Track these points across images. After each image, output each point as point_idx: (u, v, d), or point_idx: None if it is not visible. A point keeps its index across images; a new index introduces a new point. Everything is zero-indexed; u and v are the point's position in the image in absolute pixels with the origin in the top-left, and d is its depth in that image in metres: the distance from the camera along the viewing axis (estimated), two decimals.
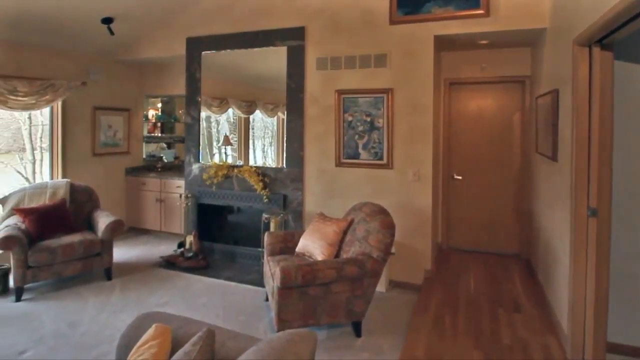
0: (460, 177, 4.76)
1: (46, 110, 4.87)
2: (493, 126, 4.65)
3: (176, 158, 5.97)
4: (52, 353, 2.69)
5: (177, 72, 5.39)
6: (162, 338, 1.53)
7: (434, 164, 3.92)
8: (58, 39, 4.52)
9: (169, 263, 4.35)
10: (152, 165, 5.84)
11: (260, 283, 3.80)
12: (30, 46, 4.46)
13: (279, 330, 2.63)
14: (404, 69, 3.83)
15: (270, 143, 4.81)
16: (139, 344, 1.53)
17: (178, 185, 5.15)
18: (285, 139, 4.33)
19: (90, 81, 5.10)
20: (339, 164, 4.10)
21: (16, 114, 5.54)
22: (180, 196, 4.90)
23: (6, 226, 3.67)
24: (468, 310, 3.18)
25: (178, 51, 4.89)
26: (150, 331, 1.56)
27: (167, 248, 4.92)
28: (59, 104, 4.82)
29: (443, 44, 4.08)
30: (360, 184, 4.00)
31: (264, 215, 4.08)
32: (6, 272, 3.70)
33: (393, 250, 3.46)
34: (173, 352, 1.51)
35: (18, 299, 3.49)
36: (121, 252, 4.73)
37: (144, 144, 5.95)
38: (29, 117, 5.74)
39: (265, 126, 4.86)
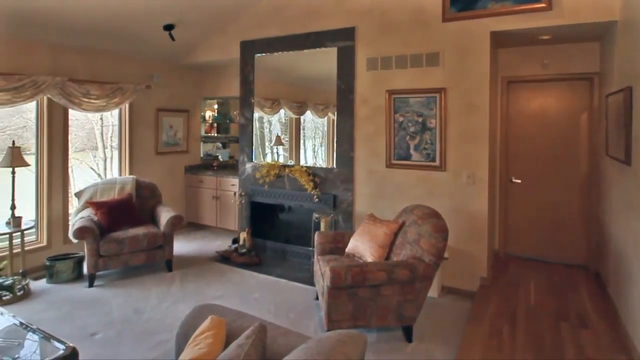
0: (519, 181, 4.54)
1: (115, 112, 5.28)
2: (557, 127, 4.37)
3: (231, 157, 6.23)
4: (119, 337, 2.93)
5: (232, 75, 5.61)
6: (217, 329, 1.60)
7: (490, 167, 3.77)
8: (126, 45, 4.88)
9: (224, 258, 4.57)
10: (209, 164, 6.14)
11: (310, 282, 3.88)
12: (102, 53, 4.85)
13: (328, 330, 2.69)
14: (458, 68, 3.72)
15: (321, 143, 4.87)
16: (196, 333, 1.61)
17: (232, 184, 5.38)
18: (335, 139, 4.38)
19: (154, 84, 5.45)
20: (389, 165, 4.07)
21: (89, 115, 6.06)
22: (235, 194, 5.11)
23: (81, 217, 4.04)
24: (528, 323, 3.02)
25: (233, 54, 5.09)
26: (207, 322, 1.65)
27: (223, 243, 5.16)
28: (126, 106, 5.20)
29: (500, 40, 3.91)
30: (411, 185, 3.95)
31: (315, 215, 4.16)
32: (80, 260, 4.09)
33: (446, 255, 3.39)
34: (227, 343, 1.58)
35: (91, 285, 3.84)
36: (180, 246, 5.02)
37: (201, 143, 6.28)
38: (101, 118, 6.26)
39: (316, 127, 4.92)
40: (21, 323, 2.32)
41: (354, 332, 1.44)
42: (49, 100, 4.34)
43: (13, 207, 3.78)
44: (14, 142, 3.86)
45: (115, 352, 2.73)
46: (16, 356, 2.07)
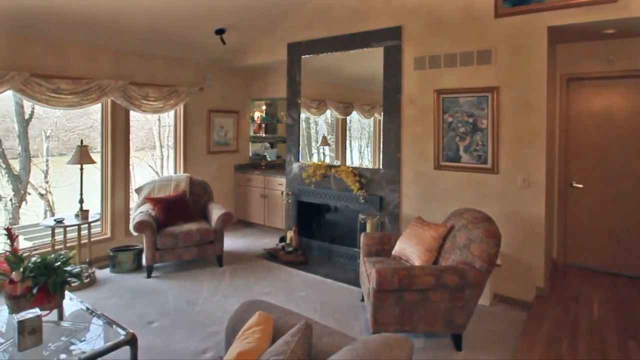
0: (580, 185, 4.26)
1: (171, 113, 5.56)
2: (624, 127, 4.05)
3: (278, 157, 6.37)
4: (174, 326, 3.10)
5: (280, 76, 5.73)
6: (264, 325, 1.64)
7: (548, 170, 3.57)
8: (180, 50, 5.14)
9: (272, 255, 4.68)
10: (257, 163, 6.32)
11: (355, 282, 3.88)
12: (159, 58, 5.14)
13: (374, 333, 2.68)
14: (512, 65, 3.55)
15: (367, 144, 4.85)
16: (244, 327, 1.66)
17: (280, 183, 5.50)
18: (381, 140, 4.34)
19: (206, 87, 5.69)
20: (437, 166, 3.98)
21: (148, 116, 6.45)
22: (282, 193, 5.22)
23: (140, 212, 4.31)
24: (590, 339, 2.80)
25: (280, 56, 5.19)
26: (255, 318, 1.69)
27: (270, 241, 5.29)
28: (181, 108, 5.47)
29: (558, 35, 3.68)
30: (461, 188, 3.83)
31: (361, 216, 4.16)
32: (140, 252, 4.37)
33: (498, 261, 3.26)
34: (274, 339, 1.61)
35: (149, 276, 4.09)
36: (230, 242, 5.21)
37: (250, 143, 6.47)
38: (158, 119, 6.64)
39: (362, 127, 4.91)
40: (87, 308, 2.52)
41: (400, 337, 1.42)
42: (112, 102, 4.66)
43: (81, 201, 4.11)
44: (82, 141, 4.19)
45: (170, 341, 2.89)
46: (82, 338, 2.26)
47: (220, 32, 4.76)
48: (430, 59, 3.99)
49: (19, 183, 5.92)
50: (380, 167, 4.35)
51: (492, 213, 3.33)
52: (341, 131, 5.03)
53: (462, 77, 3.82)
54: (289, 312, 1.89)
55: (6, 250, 2.49)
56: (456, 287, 2.63)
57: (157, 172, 6.69)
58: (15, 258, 2.43)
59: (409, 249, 3.14)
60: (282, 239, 4.95)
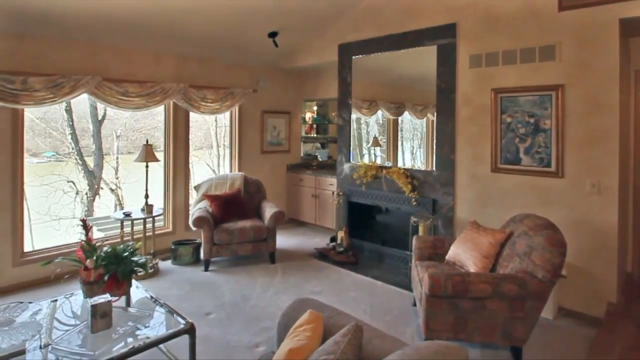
0: None
1: (227, 114, 5.79)
2: None
3: (329, 157, 6.42)
4: (229, 319, 3.23)
5: (331, 77, 5.76)
6: (315, 324, 1.65)
7: (622, 174, 3.28)
8: (236, 54, 5.34)
9: (322, 255, 4.73)
10: (309, 163, 6.41)
11: (407, 286, 3.82)
12: (216, 61, 5.37)
13: (426, 339, 2.62)
14: (579, 61, 3.30)
15: (420, 145, 4.75)
16: (296, 325, 1.68)
17: (331, 183, 5.53)
18: (435, 141, 4.23)
19: (260, 88, 5.86)
20: (495, 169, 3.80)
21: (206, 117, 6.76)
22: (333, 193, 5.26)
23: (198, 208, 4.54)
24: None
25: (331, 57, 5.22)
26: (305, 316, 1.71)
27: (321, 241, 5.35)
28: (236, 109, 5.68)
29: (632, 28, 3.35)
30: (521, 192, 3.63)
31: (413, 219, 4.08)
32: (198, 246, 4.60)
33: (564, 272, 3.06)
34: (324, 338, 1.62)
35: (206, 269, 4.30)
36: (282, 240, 5.33)
37: (301, 143, 6.58)
38: (215, 120, 6.95)
39: (414, 128, 4.81)
40: (151, 297, 2.70)
41: (454, 345, 1.37)
42: (174, 104, 4.95)
43: (146, 196, 4.41)
44: (147, 140, 4.48)
45: (225, 333, 3.02)
46: (147, 325, 2.42)
47: (273, 35, 4.88)
48: (487, 56, 3.82)
49: (93, 178, 6.48)
50: (434, 168, 4.24)
51: (556, 220, 3.12)
52: (392, 132, 4.96)
53: (522, 75, 3.61)
54: (339, 312, 1.90)
55: (82, 240, 2.71)
56: (516, 297, 2.50)
57: (214, 171, 7.02)
58: (89, 247, 2.65)
59: (464, 254, 3.03)
60: (333, 239, 4.98)
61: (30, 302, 2.51)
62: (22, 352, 2.08)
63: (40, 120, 6.11)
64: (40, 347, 2.12)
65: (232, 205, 4.64)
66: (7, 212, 3.80)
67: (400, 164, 4.76)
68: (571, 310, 3.35)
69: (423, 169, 4.42)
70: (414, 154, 4.84)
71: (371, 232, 4.98)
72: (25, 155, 4.06)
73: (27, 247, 4.07)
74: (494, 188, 3.81)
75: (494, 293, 2.51)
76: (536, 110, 3.54)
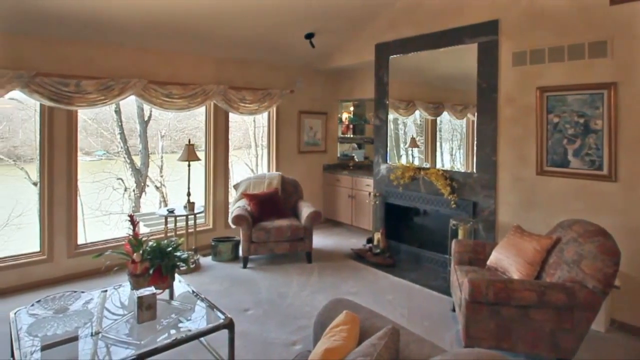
0: None
1: (265, 114, 5.89)
2: None
3: (366, 158, 6.38)
4: (266, 316, 3.28)
5: (367, 77, 5.72)
6: (351, 325, 1.64)
7: None
8: (273, 55, 5.42)
9: (359, 256, 4.71)
10: (345, 164, 6.40)
11: (445, 291, 3.73)
12: (254, 63, 5.48)
13: (466, 346, 2.55)
14: (634, 58, 3.08)
15: (459, 146, 4.61)
16: (331, 325, 1.68)
17: (367, 184, 5.50)
18: (475, 142, 4.10)
19: (297, 89, 5.92)
20: (540, 172, 3.63)
21: (245, 117, 6.91)
22: (369, 194, 5.22)
23: (237, 207, 4.65)
24: None
25: (367, 57, 5.18)
26: (342, 316, 1.70)
27: (357, 242, 5.33)
28: (274, 109, 5.77)
29: None
30: (569, 197, 3.45)
31: (452, 221, 3.98)
32: (237, 244, 4.72)
33: (617, 283, 2.88)
34: (360, 340, 1.61)
35: (244, 266, 4.40)
36: (318, 240, 5.35)
37: (338, 144, 6.58)
38: (254, 120, 7.10)
39: (454, 128, 4.68)
40: (193, 291, 2.79)
41: (496, 355, 1.31)
42: (214, 105, 5.10)
43: (188, 194, 4.57)
44: (189, 140, 4.65)
45: (262, 329, 3.08)
46: (189, 318, 2.50)
47: (309, 36, 4.92)
48: (531, 53, 3.66)
49: (140, 176, 6.82)
50: (474, 170, 4.11)
51: (608, 227, 2.93)
52: (431, 132, 4.86)
53: (570, 73, 3.43)
54: (375, 315, 1.88)
55: (129, 234, 2.85)
56: (563, 307, 2.38)
57: (252, 170, 7.19)
58: (136, 241, 2.77)
59: (507, 260, 2.92)
60: (370, 240, 4.95)
61: (82, 292, 2.66)
62: (75, 339, 2.21)
63: (93, 120, 6.51)
64: (92, 335, 2.25)
65: (270, 204, 4.72)
66: (63, 206, 4.07)
67: (438, 166, 4.65)
68: (624, 322, 3.14)
69: (463, 170, 4.30)
70: (453, 155, 4.71)
71: (408, 234, 4.91)
72: (79, 153, 4.32)
73: (81, 240, 4.33)
74: (540, 192, 3.64)
75: (539, 302, 2.41)
76: (586, 109, 3.35)
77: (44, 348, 2.12)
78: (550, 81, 3.55)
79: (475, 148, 4.11)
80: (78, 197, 4.31)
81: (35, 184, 5.04)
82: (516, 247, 2.92)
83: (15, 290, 3.77)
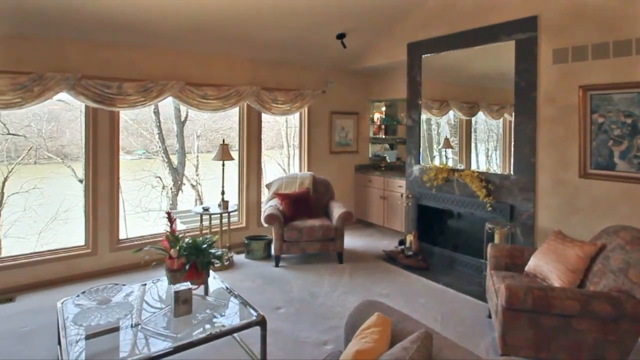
0: None
1: (297, 115, 5.94)
2: None
3: (398, 159, 6.31)
4: (298, 315, 3.31)
5: (399, 77, 5.65)
6: (382, 327, 1.62)
7: None
8: (305, 56, 5.46)
9: (390, 258, 4.66)
10: (377, 165, 6.35)
11: (481, 296, 3.63)
12: (286, 64, 5.53)
13: (503, 355, 2.48)
14: None
15: (495, 147, 4.47)
16: (363, 327, 1.67)
17: (399, 185, 5.43)
18: (513, 143, 3.96)
19: (328, 89, 5.92)
20: (584, 174, 3.46)
21: (277, 118, 7.00)
22: (402, 195, 5.15)
23: (270, 206, 4.71)
24: None
25: (399, 57, 5.11)
26: (373, 318, 1.68)
27: (389, 243, 5.27)
28: (305, 110, 5.80)
29: None
30: (615, 201, 3.27)
31: (488, 225, 3.86)
32: (269, 242, 4.78)
33: None
34: (392, 343, 1.59)
35: (276, 265, 4.46)
36: (350, 240, 5.34)
37: (369, 144, 6.54)
38: (286, 121, 7.19)
39: (490, 128, 4.54)
40: (227, 288, 2.86)
41: None
42: (248, 106, 5.20)
43: (223, 193, 4.68)
44: (223, 140, 4.76)
45: (294, 328, 3.10)
46: (222, 314, 2.57)
47: (341, 36, 4.91)
48: (573, 50, 3.49)
49: (177, 175, 7.08)
50: (511, 172, 3.97)
51: None
52: (465, 133, 4.73)
53: (617, 70, 3.24)
54: (407, 318, 1.86)
55: (167, 231, 2.95)
56: (609, 318, 2.26)
57: (284, 170, 7.29)
58: (173, 238, 2.87)
59: (547, 266, 2.80)
60: (402, 242, 4.89)
61: (124, 285, 2.78)
62: (117, 329, 2.32)
63: (133, 121, 6.80)
64: (132, 326, 2.35)
65: (301, 204, 4.76)
66: (106, 202, 4.27)
67: (473, 167, 4.52)
68: None
69: (499, 172, 4.16)
70: (489, 157, 4.57)
71: (442, 236, 4.81)
72: (121, 152, 4.52)
73: (122, 235, 4.53)
74: (582, 195, 3.47)
75: (582, 311, 2.30)
76: (634, 109, 3.16)
77: (88, 337, 2.24)
78: (594, 79, 3.37)
79: (512, 149, 3.98)
80: (120, 194, 4.51)
81: (80, 181, 5.33)
82: (557, 253, 2.80)
83: (62, 282, 3.99)
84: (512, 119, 3.97)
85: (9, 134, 5.67)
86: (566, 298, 2.34)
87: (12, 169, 5.69)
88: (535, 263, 2.92)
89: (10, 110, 3.74)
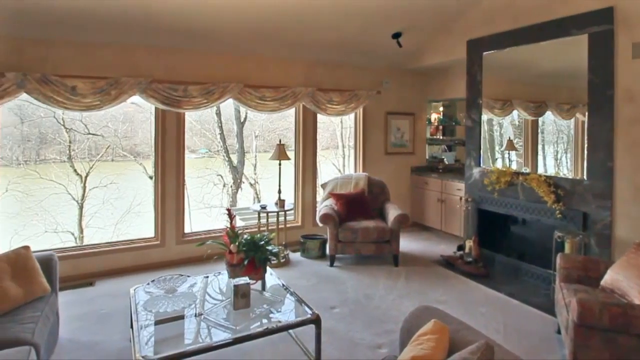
0: None
1: (352, 115, 5.93)
2: None
3: (456, 161, 6.09)
4: (352, 315, 3.31)
5: (458, 76, 5.45)
6: (440, 335, 1.58)
7: None
8: (360, 57, 5.46)
9: (448, 263, 4.52)
10: (434, 166, 6.18)
11: (549, 309, 3.37)
12: (341, 65, 5.56)
13: None
14: None
15: (565, 149, 4.16)
16: (419, 332, 1.63)
17: (458, 188, 5.24)
18: (586, 145, 3.65)
19: (383, 90, 5.86)
20: None
21: (332, 118, 7.04)
22: (460, 199, 4.97)
23: (325, 206, 4.76)
24: None
25: (458, 55, 4.92)
26: (430, 325, 1.64)
27: (447, 248, 5.12)
28: (360, 110, 5.78)
29: None
30: None
31: (557, 233, 3.59)
32: (324, 242, 4.84)
33: None
34: (449, 352, 1.54)
35: (331, 264, 4.49)
36: (405, 243, 5.24)
37: (426, 145, 6.37)
38: (341, 121, 7.21)
39: (559, 130, 4.22)
40: (283, 284, 2.93)
41: None
42: (303, 106, 5.30)
43: (279, 192, 4.80)
44: (280, 140, 4.88)
45: (348, 329, 3.10)
46: (279, 309, 2.64)
47: (396, 36, 4.83)
48: None
49: (237, 173, 7.40)
50: (584, 177, 3.67)
51: None
52: (531, 134, 4.44)
53: None
54: (466, 327, 1.79)
55: (227, 227, 3.08)
56: None
57: (339, 170, 7.33)
58: (233, 233, 3.00)
59: (626, 281, 2.56)
60: (460, 247, 4.71)
61: (188, 276, 2.96)
62: (181, 317, 2.48)
63: (197, 122, 7.20)
64: (195, 315, 2.50)
65: (356, 204, 4.75)
66: (173, 198, 4.57)
67: (540, 171, 4.24)
68: None
69: (570, 177, 3.86)
70: (558, 160, 4.26)
71: (504, 243, 4.56)
72: (186, 151, 4.80)
73: (187, 229, 4.82)
74: None
75: None
76: None
77: (157, 323, 2.40)
78: None
79: (585, 152, 3.67)
80: (185, 190, 4.80)
81: (150, 177, 5.74)
82: (638, 267, 2.54)
83: (133, 270, 4.32)
84: (586, 119, 3.67)
85: (89, 133, 6.25)
86: None
87: (93, 165, 6.28)
88: (613, 277, 2.68)
89: (90, 112, 4.12)
